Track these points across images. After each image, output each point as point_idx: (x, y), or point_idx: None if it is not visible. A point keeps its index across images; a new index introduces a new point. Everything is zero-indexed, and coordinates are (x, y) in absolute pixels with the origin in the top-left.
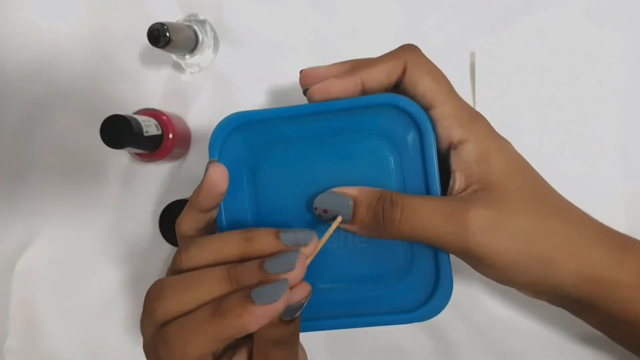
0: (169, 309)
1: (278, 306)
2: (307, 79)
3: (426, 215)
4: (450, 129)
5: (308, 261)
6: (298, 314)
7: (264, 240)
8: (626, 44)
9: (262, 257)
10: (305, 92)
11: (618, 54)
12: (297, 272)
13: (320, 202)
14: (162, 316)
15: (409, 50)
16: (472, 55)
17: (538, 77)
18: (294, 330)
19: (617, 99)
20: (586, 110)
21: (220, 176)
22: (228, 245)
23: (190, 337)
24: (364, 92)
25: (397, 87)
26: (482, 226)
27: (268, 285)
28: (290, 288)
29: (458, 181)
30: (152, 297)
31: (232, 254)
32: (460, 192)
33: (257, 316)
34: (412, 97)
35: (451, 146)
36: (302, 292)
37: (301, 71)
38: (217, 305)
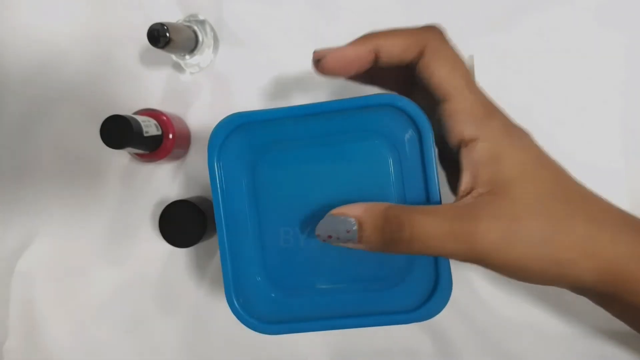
0: None
1: None
2: (320, 57)
3: (435, 234)
4: (463, 124)
5: None
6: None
7: None
8: (626, 44)
9: None
10: (317, 64)
11: (618, 54)
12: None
13: (323, 228)
14: None
15: (431, 32)
16: (471, 57)
17: (538, 78)
18: None
19: (618, 98)
20: (587, 110)
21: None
22: None
23: None
24: (377, 64)
25: (412, 69)
26: (493, 241)
27: None
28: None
29: (465, 181)
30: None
31: None
32: (467, 194)
33: None
34: (427, 86)
35: (462, 143)
36: None
37: (314, 51)
38: None
